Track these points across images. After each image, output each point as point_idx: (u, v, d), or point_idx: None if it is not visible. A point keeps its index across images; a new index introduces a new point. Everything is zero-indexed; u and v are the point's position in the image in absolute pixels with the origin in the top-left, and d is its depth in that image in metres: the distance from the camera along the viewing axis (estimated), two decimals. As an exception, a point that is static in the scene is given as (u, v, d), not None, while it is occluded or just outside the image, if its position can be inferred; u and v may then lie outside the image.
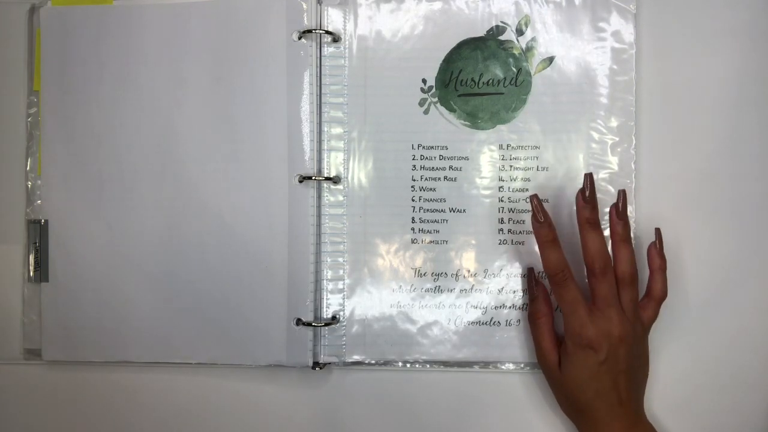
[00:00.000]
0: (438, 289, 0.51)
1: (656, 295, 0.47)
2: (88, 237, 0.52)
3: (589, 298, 0.45)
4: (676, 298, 0.50)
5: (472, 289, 0.51)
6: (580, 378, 0.45)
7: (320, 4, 0.51)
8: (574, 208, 0.47)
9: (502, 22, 0.51)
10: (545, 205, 0.50)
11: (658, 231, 0.48)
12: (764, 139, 0.50)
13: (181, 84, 0.51)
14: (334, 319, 0.51)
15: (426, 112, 0.51)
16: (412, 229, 0.51)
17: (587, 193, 0.45)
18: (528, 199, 0.46)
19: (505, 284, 0.50)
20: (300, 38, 0.50)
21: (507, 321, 0.50)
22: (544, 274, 0.50)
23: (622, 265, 0.45)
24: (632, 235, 0.48)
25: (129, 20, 0.51)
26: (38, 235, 0.52)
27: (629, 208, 0.49)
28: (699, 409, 0.50)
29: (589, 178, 0.45)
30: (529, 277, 0.49)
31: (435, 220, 0.51)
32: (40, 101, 0.52)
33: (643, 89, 0.50)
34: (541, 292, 0.48)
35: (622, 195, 0.46)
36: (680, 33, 0.51)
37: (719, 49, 0.50)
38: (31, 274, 0.52)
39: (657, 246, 0.47)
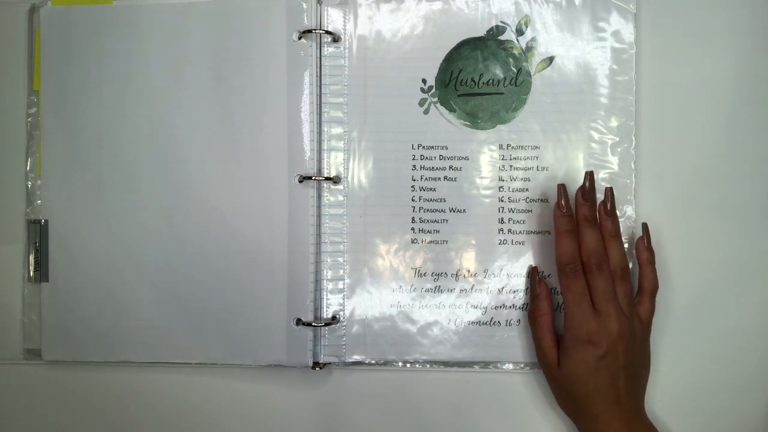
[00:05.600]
0: (438, 289, 0.51)
1: (648, 288, 0.47)
2: (88, 237, 0.52)
3: None
4: (676, 297, 0.50)
5: (472, 289, 0.51)
6: (578, 374, 0.45)
7: (320, 4, 0.51)
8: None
9: (502, 22, 0.51)
10: (545, 204, 0.50)
11: (645, 226, 0.48)
12: (764, 139, 0.50)
13: (181, 84, 0.51)
14: (334, 319, 0.51)
15: (426, 112, 0.51)
16: (412, 229, 0.51)
17: (586, 191, 0.46)
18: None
19: (505, 284, 0.50)
20: (300, 38, 0.50)
21: (507, 321, 0.50)
22: (546, 274, 0.50)
23: (614, 260, 0.46)
24: (632, 233, 0.49)
25: (129, 20, 0.51)
26: (38, 235, 0.52)
27: (629, 208, 0.49)
28: (699, 409, 0.50)
29: (589, 176, 0.46)
30: (532, 275, 0.49)
31: (435, 220, 0.51)
32: (40, 101, 0.52)
33: (643, 89, 0.50)
34: (543, 291, 0.48)
35: (609, 192, 0.47)
36: (680, 33, 0.51)
37: (719, 49, 0.50)
38: (31, 274, 0.52)
39: (644, 240, 0.48)
